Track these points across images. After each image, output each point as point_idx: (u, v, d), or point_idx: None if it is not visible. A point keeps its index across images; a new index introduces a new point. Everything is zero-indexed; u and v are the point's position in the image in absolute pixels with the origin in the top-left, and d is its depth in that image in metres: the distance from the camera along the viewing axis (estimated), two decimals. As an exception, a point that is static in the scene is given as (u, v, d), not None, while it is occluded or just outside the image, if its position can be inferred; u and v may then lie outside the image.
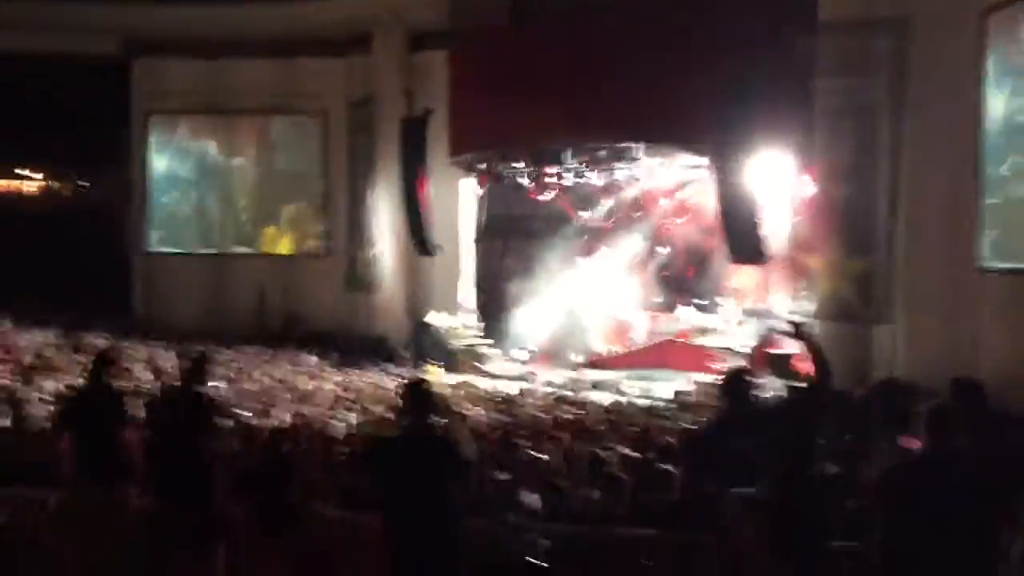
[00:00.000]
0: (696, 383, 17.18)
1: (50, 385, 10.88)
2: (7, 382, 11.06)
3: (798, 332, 5.17)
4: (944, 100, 13.57)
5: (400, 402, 4.87)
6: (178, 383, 6.12)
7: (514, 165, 19.61)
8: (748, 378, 4.79)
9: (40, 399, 9.67)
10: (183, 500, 5.50)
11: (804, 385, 5.12)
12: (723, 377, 4.81)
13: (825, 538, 4.43)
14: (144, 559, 5.60)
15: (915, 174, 14.22)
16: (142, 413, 6.30)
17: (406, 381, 5.08)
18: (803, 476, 4.32)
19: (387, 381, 15.88)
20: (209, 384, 6.05)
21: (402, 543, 4.48)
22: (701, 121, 15.08)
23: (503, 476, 6.16)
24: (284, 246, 23.33)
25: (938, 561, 3.87)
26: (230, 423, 7.54)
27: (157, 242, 23.65)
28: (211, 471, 5.64)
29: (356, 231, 22.38)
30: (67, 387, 9.11)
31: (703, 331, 20.23)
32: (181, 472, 5.58)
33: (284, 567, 5.08)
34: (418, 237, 20.03)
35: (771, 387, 15.22)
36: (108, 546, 5.50)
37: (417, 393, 4.73)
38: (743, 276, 20.34)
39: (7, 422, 8.14)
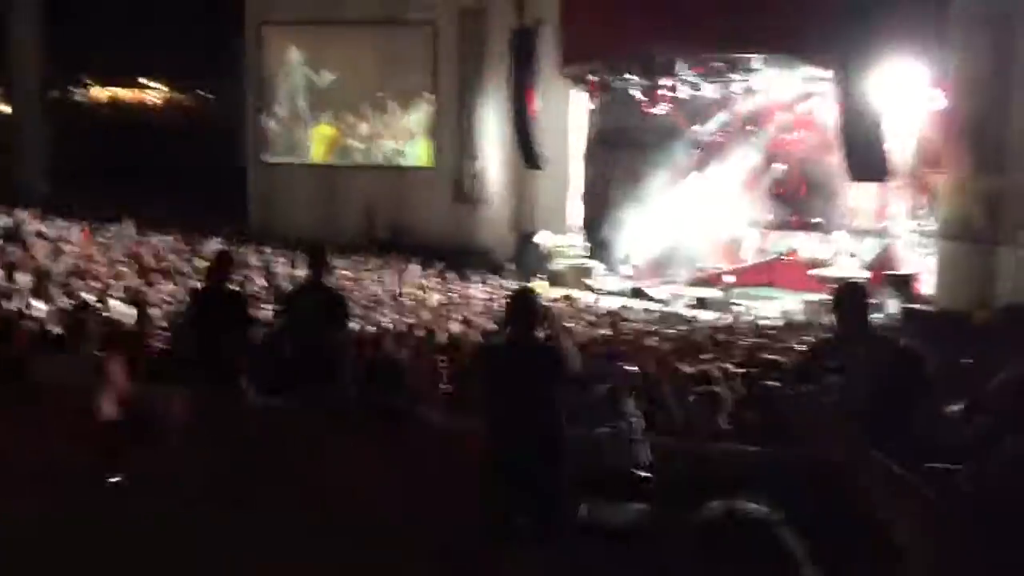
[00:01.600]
0: (804, 303, 16.80)
1: (170, 288, 11.37)
2: (132, 284, 11.59)
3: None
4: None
5: (506, 311, 4.85)
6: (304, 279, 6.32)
7: (626, 76, 19.17)
8: (861, 293, 4.49)
9: (163, 300, 10.12)
10: (315, 385, 5.71)
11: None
12: (835, 291, 4.54)
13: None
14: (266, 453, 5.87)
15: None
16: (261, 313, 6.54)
17: (513, 290, 5.06)
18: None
19: (492, 293, 16.03)
20: (332, 275, 6.25)
21: (506, 450, 4.51)
22: (824, 29, 14.38)
23: (604, 387, 6.15)
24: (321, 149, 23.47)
25: None
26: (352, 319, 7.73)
27: (272, 152, 24.16)
28: (341, 360, 5.83)
29: (465, 143, 22.37)
30: (190, 289, 9.47)
31: (815, 252, 19.63)
32: (315, 358, 5.81)
33: (389, 466, 5.21)
34: (526, 150, 19.93)
35: (889, 306, 14.87)
36: (231, 443, 5.74)
37: (523, 302, 4.71)
38: (862, 194, 19.56)
39: (132, 321, 8.53)
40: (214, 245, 16.16)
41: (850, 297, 4.37)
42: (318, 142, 23.84)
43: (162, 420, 6.17)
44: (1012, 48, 13.56)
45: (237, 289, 6.61)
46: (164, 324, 8.61)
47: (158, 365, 6.66)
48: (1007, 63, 13.62)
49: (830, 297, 4.77)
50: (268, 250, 18.05)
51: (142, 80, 29.73)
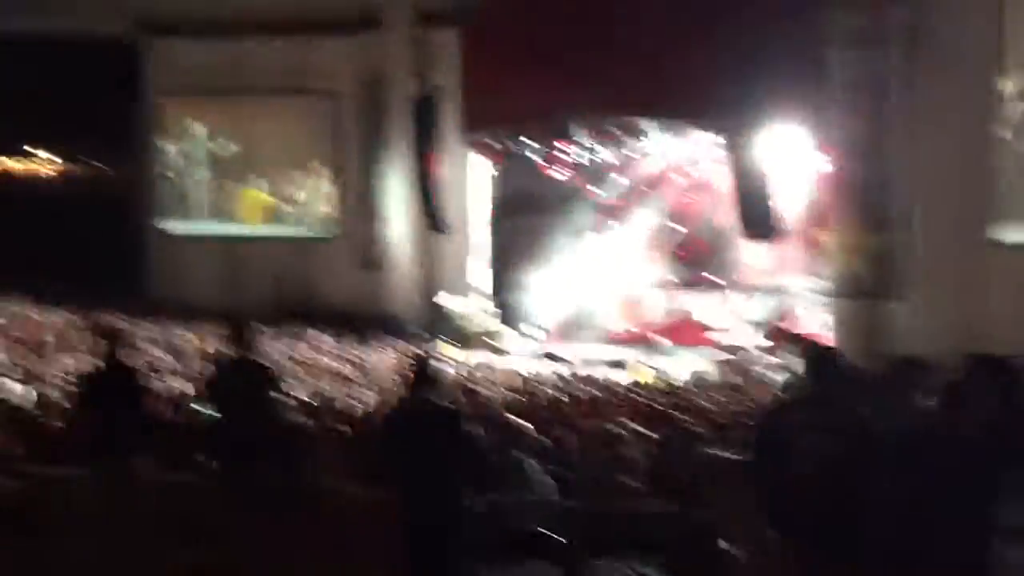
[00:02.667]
0: (714, 362, 17.22)
1: (69, 364, 10.97)
2: (26, 362, 11.16)
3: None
4: (959, 72, 13.44)
5: (407, 379, 4.90)
6: (231, 354, 6.05)
7: (527, 142, 19.57)
8: (833, 359, 4.56)
9: (58, 377, 9.75)
10: (251, 469, 5.56)
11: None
12: (805, 352, 4.61)
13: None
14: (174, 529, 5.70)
15: (930, 148, 14.12)
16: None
17: (413, 358, 5.10)
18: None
19: (400, 359, 15.93)
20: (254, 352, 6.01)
21: (412, 515, 4.50)
22: (712, 95, 15.03)
23: (516, 455, 6.17)
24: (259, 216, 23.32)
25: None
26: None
27: (171, 223, 23.71)
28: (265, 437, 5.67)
29: (369, 210, 22.38)
30: (85, 368, 9.15)
31: (713, 313, 20.18)
32: (247, 442, 5.63)
33: (301, 542, 5.12)
34: (430, 215, 20.07)
35: (788, 364, 15.31)
36: (128, 519, 5.56)
37: (423, 369, 4.77)
38: (757, 253, 20.27)
39: (30, 400, 8.21)
40: (112, 320, 15.68)
41: (824, 361, 4.46)
42: (250, 207, 23.48)
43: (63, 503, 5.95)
44: (889, 111, 14.38)
45: (130, 365, 6.40)
46: (63, 403, 8.30)
47: (57, 447, 6.43)
48: (885, 124, 14.41)
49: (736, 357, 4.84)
50: (170, 322, 17.60)
51: (35, 152, 28.94)
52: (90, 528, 5.78)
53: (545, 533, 5.14)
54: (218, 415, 5.94)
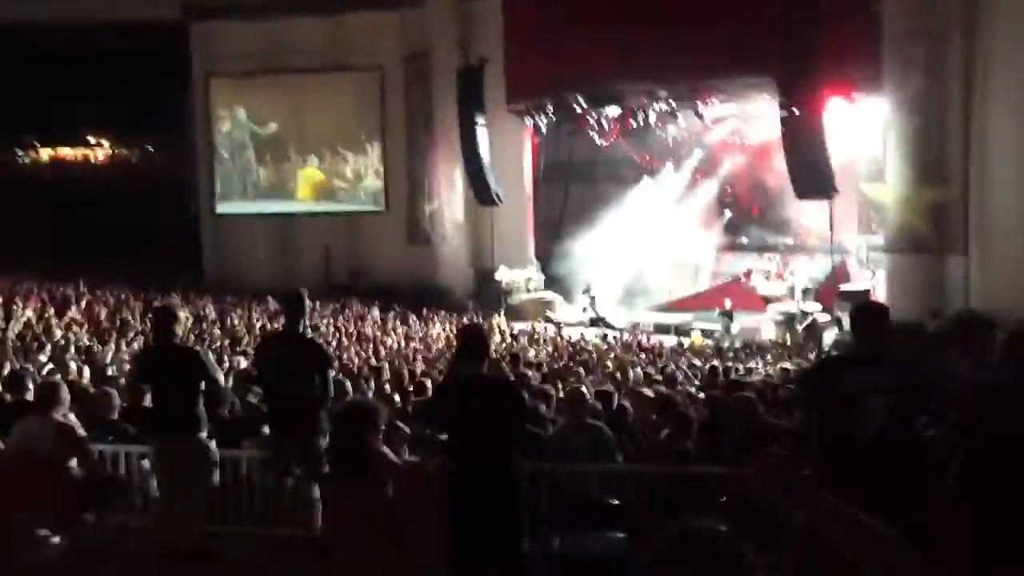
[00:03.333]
0: (762, 323, 17.06)
1: (125, 344, 11.21)
2: (86, 342, 11.41)
3: None
4: (1018, 22, 12.97)
5: (456, 347, 4.88)
6: (282, 327, 6.11)
7: (573, 109, 19.39)
8: (883, 315, 4.21)
9: (117, 357, 9.96)
10: (299, 437, 5.64)
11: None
12: (855, 308, 4.49)
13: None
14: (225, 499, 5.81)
15: (989, 99, 13.69)
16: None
17: (461, 327, 5.09)
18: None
19: (451, 331, 16.00)
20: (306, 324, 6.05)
21: (463, 483, 4.50)
22: (766, 52, 14.71)
23: (565, 419, 6.16)
24: (310, 190, 23.51)
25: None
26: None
27: (224, 204, 24.05)
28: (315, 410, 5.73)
29: (417, 184, 22.44)
30: (140, 347, 9.34)
31: (768, 271, 19.92)
32: (289, 408, 5.71)
33: (357, 508, 5.16)
34: (479, 187, 20.05)
35: (844, 323, 15.09)
36: (193, 487, 5.67)
37: (471, 338, 4.75)
38: (811, 212, 19.93)
39: (86, 380, 8.39)
40: (167, 300, 15.97)
41: (869, 318, 4.32)
42: (304, 184, 23.75)
43: (126, 479, 6.09)
44: (947, 62, 13.95)
45: (186, 345, 6.47)
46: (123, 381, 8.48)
47: (118, 423, 6.57)
48: (942, 76, 14.01)
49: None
50: (224, 301, 17.87)
51: (88, 138, 29.49)
52: (152, 504, 5.92)
53: (606, 499, 5.12)
54: (268, 389, 6.00)
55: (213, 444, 5.84)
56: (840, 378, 4.20)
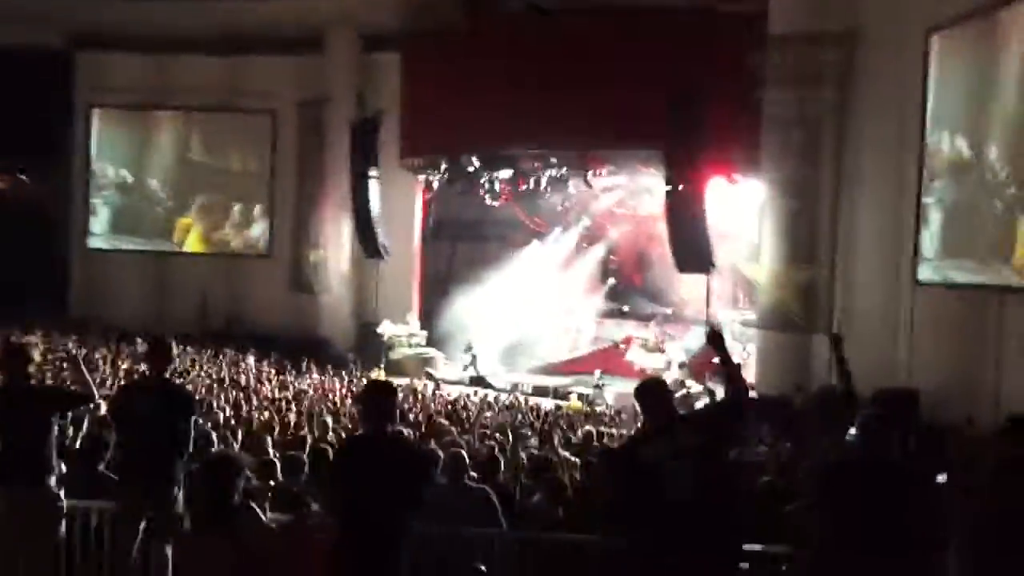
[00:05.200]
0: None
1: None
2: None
3: (713, 336, 5.16)
4: (888, 113, 13.86)
5: (360, 405, 4.79)
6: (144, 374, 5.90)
7: (466, 169, 19.58)
8: (661, 389, 4.57)
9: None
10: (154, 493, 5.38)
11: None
12: (636, 389, 4.66)
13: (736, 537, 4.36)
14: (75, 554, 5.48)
15: (857, 186, 14.52)
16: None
17: (367, 383, 4.98)
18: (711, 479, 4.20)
19: (333, 384, 15.70)
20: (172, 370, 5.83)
21: (353, 544, 4.38)
22: (651, 130, 15.27)
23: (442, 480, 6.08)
24: (194, 239, 23.00)
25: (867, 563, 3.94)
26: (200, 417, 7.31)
27: (98, 238, 23.16)
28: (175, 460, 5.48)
29: (303, 231, 22.14)
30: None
31: (647, 339, 20.36)
32: (148, 458, 5.45)
33: (219, 570, 4.94)
34: (367, 239, 19.92)
35: (717, 395, 15.51)
36: (39, 539, 5.34)
37: (377, 396, 4.65)
38: (690, 285, 20.56)
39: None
40: (31, 338, 15.14)
41: (654, 393, 4.47)
42: (185, 232, 23.03)
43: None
44: (821, 149, 14.76)
45: (39, 385, 6.13)
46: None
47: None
48: (814, 162, 14.79)
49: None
50: (93, 340, 17.09)
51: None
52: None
53: (479, 567, 5.06)
54: (124, 436, 5.74)
55: (61, 493, 5.52)
56: (638, 452, 4.37)
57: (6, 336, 13.59)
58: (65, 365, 11.60)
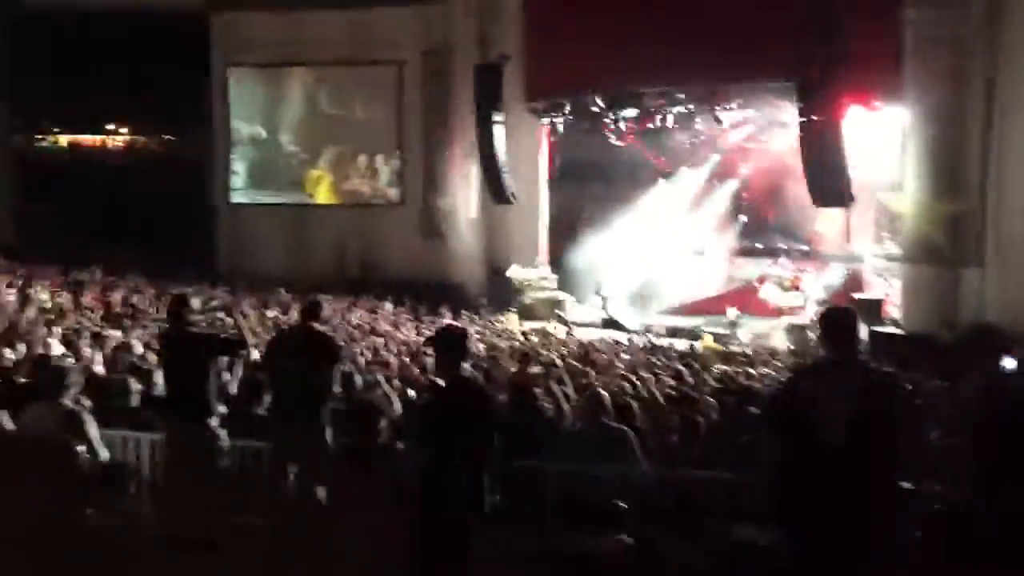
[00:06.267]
0: (787, 328, 17.06)
1: (137, 332, 11.23)
2: (99, 329, 11.45)
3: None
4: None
5: (435, 350, 4.82)
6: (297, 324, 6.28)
7: (590, 110, 19.38)
8: (847, 320, 4.20)
9: (126, 344, 9.97)
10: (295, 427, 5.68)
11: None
12: (821, 315, 4.42)
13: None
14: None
15: (1009, 113, 13.61)
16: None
17: (439, 329, 5.04)
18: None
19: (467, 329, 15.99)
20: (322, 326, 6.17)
21: (426, 490, 4.47)
22: (786, 58, 14.66)
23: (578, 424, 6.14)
24: (324, 190, 23.54)
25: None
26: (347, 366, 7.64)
27: (240, 193, 24.11)
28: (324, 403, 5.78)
29: (432, 179, 22.45)
30: (156, 335, 9.37)
31: (781, 277, 19.84)
32: (298, 401, 5.76)
33: (369, 502, 5.17)
34: (494, 184, 20.05)
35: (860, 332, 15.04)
36: (203, 479, 5.71)
37: (448, 341, 4.69)
38: (827, 219, 19.88)
39: (100, 368, 8.42)
40: (182, 288, 16.03)
41: (839, 323, 4.24)
42: (316, 184, 23.78)
43: (135, 464, 6.12)
44: (968, 71, 13.87)
45: (200, 331, 6.53)
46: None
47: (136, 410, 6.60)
48: (963, 86, 13.92)
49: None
50: (239, 292, 17.90)
51: (107, 126, 29.60)
52: (165, 488, 5.95)
53: (618, 503, 5.09)
54: (276, 380, 6.05)
55: (224, 432, 5.87)
56: (803, 384, 4.18)
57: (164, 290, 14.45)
58: (220, 315, 12.21)
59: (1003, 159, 13.70)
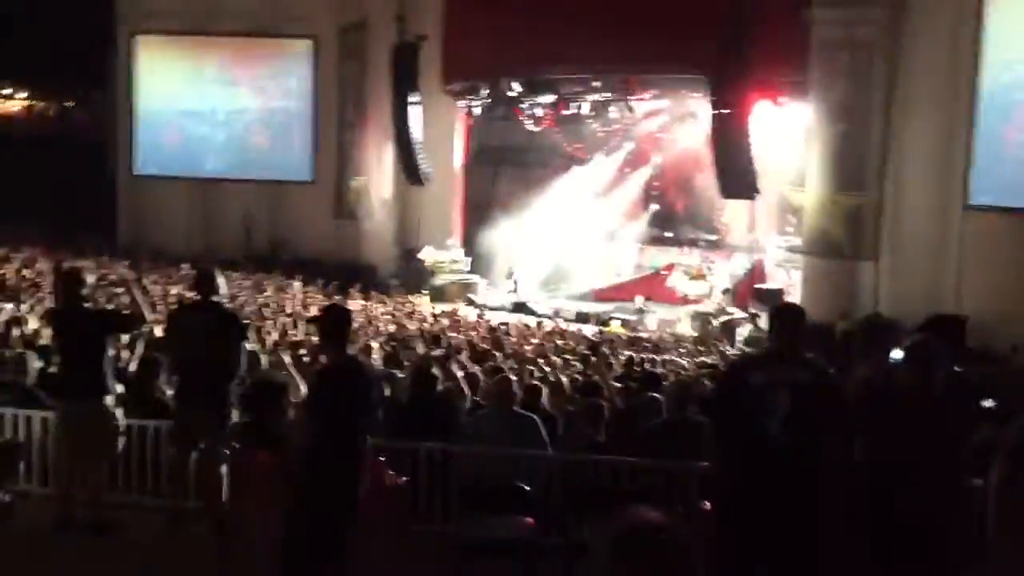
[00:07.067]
0: (694, 316, 17.43)
1: (31, 306, 10.84)
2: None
3: None
4: (940, 36, 13.44)
5: (319, 330, 4.80)
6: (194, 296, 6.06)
7: (507, 94, 19.38)
8: (798, 316, 4.39)
9: (20, 319, 9.62)
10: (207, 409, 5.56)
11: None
12: (775, 308, 4.55)
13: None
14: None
15: (907, 111, 14.16)
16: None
17: (325, 307, 4.99)
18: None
19: (374, 309, 15.90)
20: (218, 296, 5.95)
21: (307, 470, 4.47)
22: (698, 52, 14.94)
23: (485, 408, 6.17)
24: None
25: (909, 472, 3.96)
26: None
27: (143, 166, 23.38)
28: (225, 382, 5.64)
29: (346, 158, 22.16)
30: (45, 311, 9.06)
31: (688, 266, 20.26)
32: (199, 379, 5.61)
33: (265, 484, 5.12)
34: (408, 165, 19.91)
35: (760, 320, 15.47)
36: (96, 455, 5.57)
37: (332, 321, 4.67)
38: (734, 211, 20.35)
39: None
40: (78, 262, 15.49)
41: (786, 317, 4.40)
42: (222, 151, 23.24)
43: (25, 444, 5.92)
44: (871, 72, 14.38)
45: (94, 308, 6.33)
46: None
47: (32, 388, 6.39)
48: (865, 85, 14.42)
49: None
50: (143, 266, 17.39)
51: (3, 90, 28.31)
52: (55, 466, 5.78)
53: (522, 486, 5.15)
54: (179, 357, 5.91)
55: (120, 412, 5.72)
56: (749, 374, 4.33)
57: (59, 261, 13.97)
58: (118, 290, 11.84)
59: (901, 156, 14.27)
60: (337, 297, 16.92)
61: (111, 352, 5.75)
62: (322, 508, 4.38)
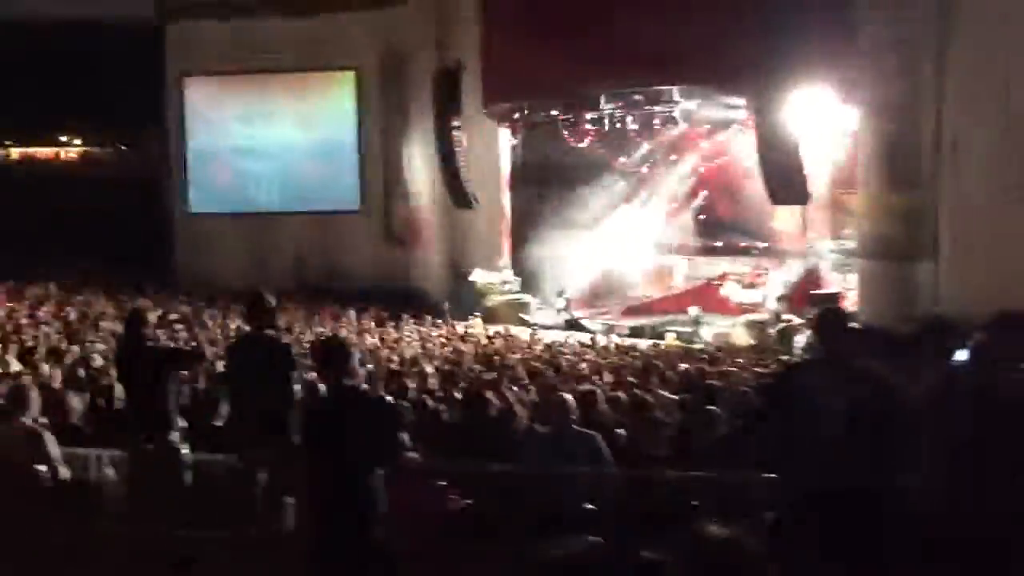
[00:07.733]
0: (747, 325, 17.23)
1: (99, 347, 11.08)
2: (55, 342, 11.28)
3: None
4: (989, 32, 13.18)
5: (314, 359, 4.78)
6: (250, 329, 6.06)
7: (550, 112, 19.43)
8: (842, 319, 4.34)
9: (84, 358, 9.84)
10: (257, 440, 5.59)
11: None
12: (817, 314, 4.49)
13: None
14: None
15: (959, 107, 13.88)
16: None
17: (323, 339, 4.98)
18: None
19: (429, 334, 15.99)
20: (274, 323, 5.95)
21: (316, 499, 4.46)
22: (740, 59, 14.83)
23: (543, 429, 6.14)
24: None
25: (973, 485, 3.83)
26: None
27: (197, 203, 23.87)
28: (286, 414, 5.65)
29: (393, 186, 22.39)
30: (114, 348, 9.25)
31: (741, 274, 20.04)
32: (256, 412, 5.65)
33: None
34: (455, 189, 20.04)
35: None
36: (162, 492, 5.63)
37: (326, 354, 4.65)
38: (784, 216, 20.11)
39: (57, 382, 8.30)
40: (140, 301, 15.82)
41: (831, 323, 4.34)
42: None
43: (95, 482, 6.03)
44: (919, 71, 14.13)
45: (157, 345, 6.45)
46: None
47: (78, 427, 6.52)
48: (916, 85, 14.18)
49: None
50: (196, 302, 17.72)
51: (59, 137, 29.20)
52: (126, 505, 5.87)
53: (588, 505, 5.11)
54: (238, 390, 5.97)
55: (186, 447, 5.81)
56: (798, 380, 4.26)
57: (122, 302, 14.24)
58: (178, 327, 12.06)
59: (957, 153, 13.96)
60: (391, 323, 17.08)
61: (175, 388, 5.85)
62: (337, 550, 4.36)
